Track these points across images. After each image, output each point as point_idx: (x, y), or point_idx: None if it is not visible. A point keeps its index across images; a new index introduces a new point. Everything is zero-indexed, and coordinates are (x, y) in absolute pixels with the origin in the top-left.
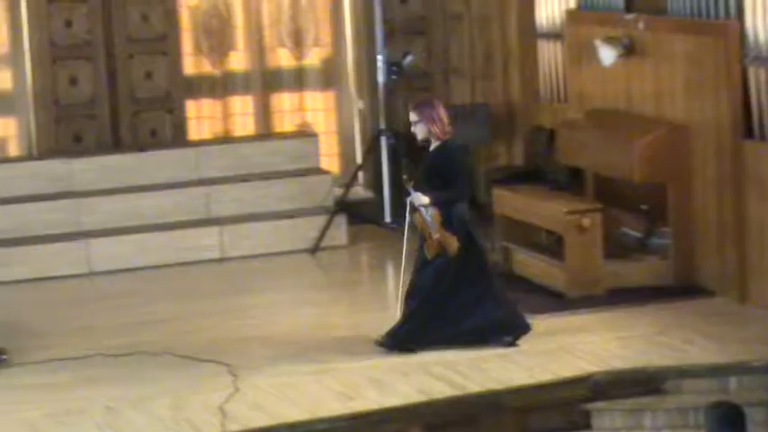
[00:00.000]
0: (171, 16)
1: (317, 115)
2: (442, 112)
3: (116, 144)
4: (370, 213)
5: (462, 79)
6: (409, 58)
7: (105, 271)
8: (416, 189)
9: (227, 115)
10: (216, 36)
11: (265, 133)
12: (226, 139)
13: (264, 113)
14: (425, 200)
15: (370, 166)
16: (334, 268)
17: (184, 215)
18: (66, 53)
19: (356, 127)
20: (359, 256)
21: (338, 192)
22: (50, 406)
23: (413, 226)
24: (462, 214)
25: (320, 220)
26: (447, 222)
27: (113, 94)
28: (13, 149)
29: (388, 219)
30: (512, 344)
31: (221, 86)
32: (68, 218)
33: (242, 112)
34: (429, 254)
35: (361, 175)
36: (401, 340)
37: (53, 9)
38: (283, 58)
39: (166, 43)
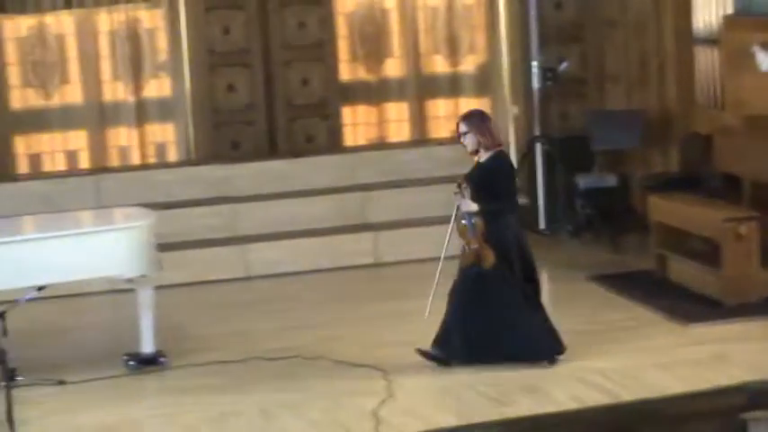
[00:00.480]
0: (327, 23)
1: None
2: (491, 125)
3: (272, 150)
4: (524, 220)
5: (617, 85)
6: (564, 65)
7: (262, 275)
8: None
9: (382, 121)
10: (371, 42)
11: (420, 139)
12: (381, 145)
13: (419, 119)
14: (474, 207)
15: (525, 173)
16: None
17: (339, 221)
18: (224, 60)
19: (511, 133)
20: None
21: None
22: (207, 409)
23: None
24: (507, 229)
25: None
26: (489, 235)
27: (270, 101)
28: (172, 155)
29: (542, 225)
30: (547, 365)
31: (377, 93)
32: (225, 223)
33: (397, 119)
34: (464, 262)
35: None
36: (443, 352)
37: (211, 17)
38: (438, 65)
39: (323, 50)
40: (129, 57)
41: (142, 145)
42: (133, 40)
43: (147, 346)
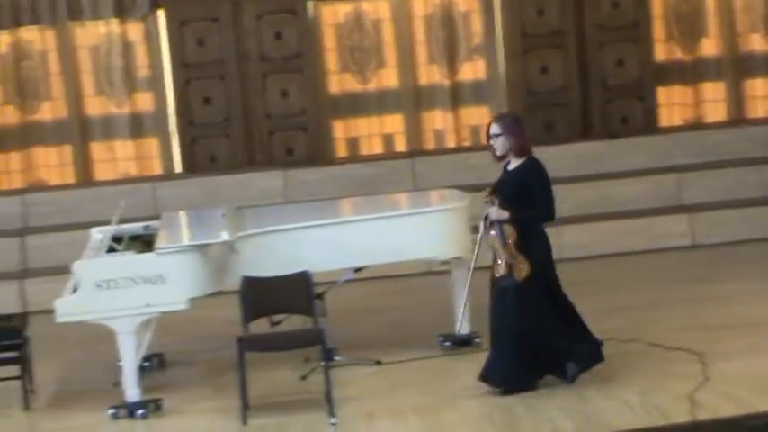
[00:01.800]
0: (642, 3)
1: None
2: (524, 129)
3: (586, 131)
4: None
5: None
6: None
7: (574, 257)
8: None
9: (698, 102)
10: (686, 22)
11: (738, 119)
12: (697, 125)
13: (736, 100)
14: (505, 214)
15: None
16: None
17: (654, 202)
18: (538, 43)
19: None
20: None
21: None
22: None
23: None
24: (542, 239)
25: None
26: (523, 244)
27: (584, 83)
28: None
29: None
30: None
31: (692, 73)
32: None
33: (713, 99)
34: (497, 272)
35: None
36: (504, 379)
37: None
38: (756, 44)
39: (637, 30)
40: (443, 40)
41: (457, 128)
42: (448, 24)
43: (462, 328)
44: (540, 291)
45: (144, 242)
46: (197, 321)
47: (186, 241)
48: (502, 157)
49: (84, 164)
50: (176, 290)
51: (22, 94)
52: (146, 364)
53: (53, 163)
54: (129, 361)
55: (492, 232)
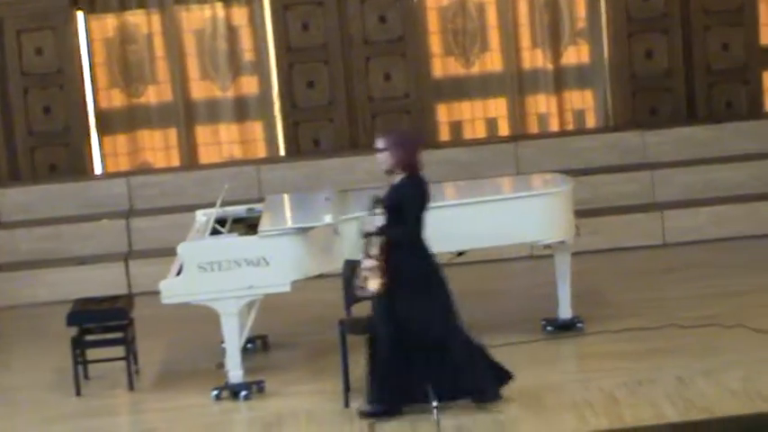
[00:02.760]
0: None
1: None
2: (410, 146)
3: (690, 116)
4: None
5: None
6: None
7: (679, 242)
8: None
9: None
10: None
11: None
12: None
13: None
14: (371, 227)
15: None
16: None
17: (761, 187)
18: (643, 26)
19: None
20: None
21: None
22: (623, 375)
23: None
24: (412, 262)
25: None
26: (391, 261)
27: (689, 67)
28: (590, 121)
29: None
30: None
31: None
32: (642, 189)
33: None
34: (360, 282)
35: None
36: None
37: None
38: None
39: (742, 15)
40: (547, 24)
41: (560, 112)
42: (552, 8)
43: (565, 312)
44: (386, 309)
45: (248, 225)
46: (300, 304)
47: (290, 224)
48: (390, 172)
49: (188, 147)
50: (279, 272)
51: (128, 78)
52: (249, 345)
53: (158, 146)
54: (232, 343)
55: (363, 238)
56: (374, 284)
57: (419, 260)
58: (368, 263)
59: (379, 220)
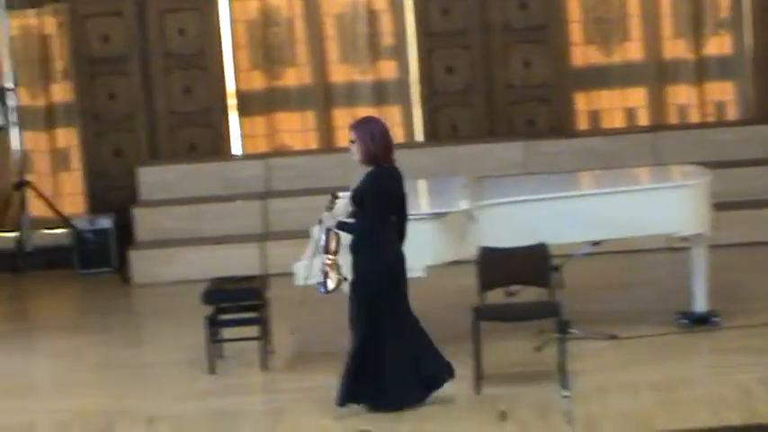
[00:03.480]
0: None
1: None
2: (379, 138)
3: None
4: None
5: None
6: None
7: None
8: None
9: None
10: None
11: None
12: None
13: None
14: (331, 222)
15: None
16: None
17: None
18: None
19: None
20: None
21: None
22: (760, 370)
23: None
24: (374, 255)
25: None
26: (355, 257)
27: None
28: (731, 113)
29: None
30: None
31: None
32: None
33: None
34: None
35: None
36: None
37: None
38: None
39: None
40: (689, 14)
41: (701, 103)
42: None
43: (700, 305)
44: (357, 306)
45: None
46: (433, 290)
47: (425, 209)
48: (361, 163)
49: (326, 130)
50: (414, 257)
51: (269, 60)
52: None
53: (296, 128)
54: None
55: (322, 235)
56: (332, 282)
57: (383, 254)
58: (327, 259)
59: (327, 215)
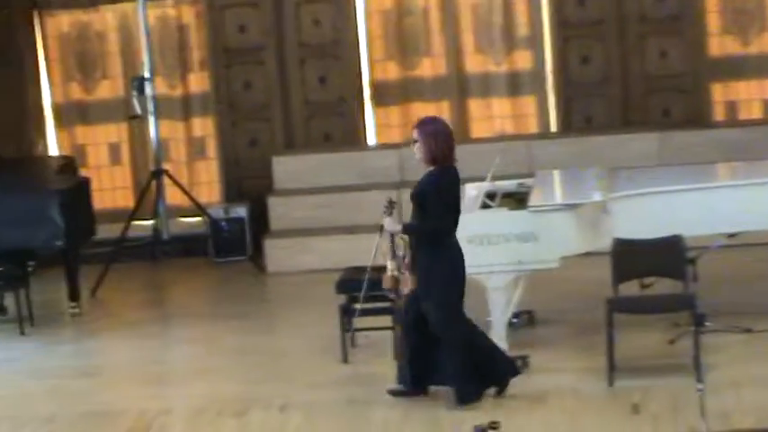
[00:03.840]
0: None
1: None
2: (442, 138)
3: None
4: None
5: None
6: None
7: None
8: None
9: None
10: None
11: None
12: None
13: None
14: (397, 227)
15: None
16: None
17: None
18: None
19: None
20: None
21: None
22: None
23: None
24: (442, 256)
25: None
26: (418, 259)
27: None
28: None
29: None
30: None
31: None
32: None
33: None
34: (384, 284)
35: None
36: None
37: None
38: None
39: None
40: None
41: None
42: None
43: None
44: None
45: (517, 199)
46: (567, 280)
47: (559, 200)
48: (424, 163)
49: (461, 120)
50: (548, 248)
51: (404, 50)
52: (515, 320)
53: None
54: (499, 316)
55: (384, 242)
56: (406, 286)
57: (457, 254)
58: (395, 264)
59: (389, 221)
